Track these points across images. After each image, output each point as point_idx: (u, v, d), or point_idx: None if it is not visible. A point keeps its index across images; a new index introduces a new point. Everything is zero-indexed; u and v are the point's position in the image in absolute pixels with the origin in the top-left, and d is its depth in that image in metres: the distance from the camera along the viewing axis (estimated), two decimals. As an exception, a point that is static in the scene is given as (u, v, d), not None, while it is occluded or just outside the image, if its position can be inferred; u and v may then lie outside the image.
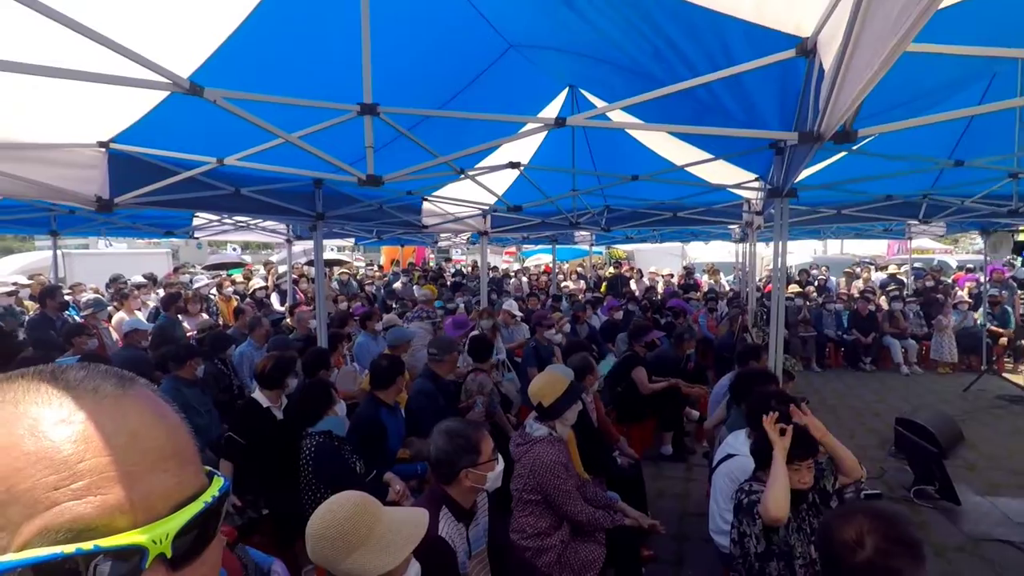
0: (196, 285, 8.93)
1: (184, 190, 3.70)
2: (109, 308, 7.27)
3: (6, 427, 0.41)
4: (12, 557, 0.37)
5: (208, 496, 0.46)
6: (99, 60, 1.94)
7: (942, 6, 2.37)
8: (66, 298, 7.33)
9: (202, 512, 0.45)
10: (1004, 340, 8.86)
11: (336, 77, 2.94)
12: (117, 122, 2.96)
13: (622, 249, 19.70)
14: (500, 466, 2.07)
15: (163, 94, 2.62)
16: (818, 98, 2.24)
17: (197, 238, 8.99)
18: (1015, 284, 10.75)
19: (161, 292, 8.46)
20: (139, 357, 5.37)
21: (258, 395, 3.47)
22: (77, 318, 6.85)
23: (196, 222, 7.61)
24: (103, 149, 3.15)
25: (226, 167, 3.41)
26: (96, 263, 13.87)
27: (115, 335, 6.50)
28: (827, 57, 1.99)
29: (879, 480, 4.76)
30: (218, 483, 0.48)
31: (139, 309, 7.34)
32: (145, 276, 9.46)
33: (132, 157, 3.27)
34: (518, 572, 2.22)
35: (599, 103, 4.26)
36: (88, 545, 0.38)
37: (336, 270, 14.19)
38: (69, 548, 0.38)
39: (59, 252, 14.29)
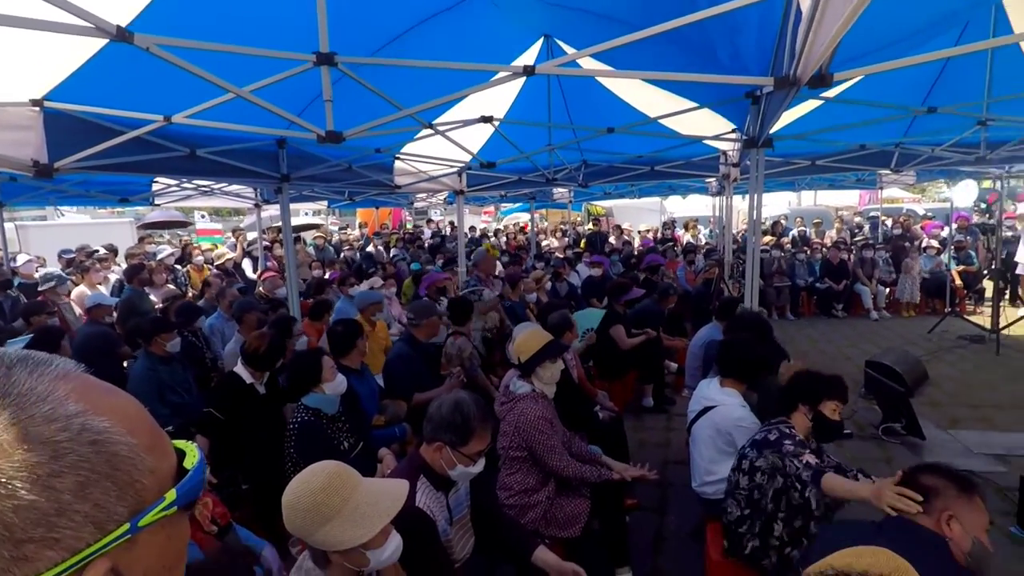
0: (160, 256, 8.59)
1: (133, 152, 3.45)
2: (68, 282, 6.96)
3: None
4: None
5: None
6: (19, 4, 1.74)
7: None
8: (11, 277, 6.97)
9: None
10: (971, 271, 9.26)
11: (289, 24, 2.73)
12: (50, 77, 2.71)
13: (601, 205, 19.59)
14: (476, 469, 1.98)
15: (96, 45, 2.38)
16: (795, 41, 2.16)
17: (158, 205, 8.55)
18: (978, 230, 11.12)
19: (123, 264, 8.11)
20: (105, 333, 5.17)
21: (240, 369, 3.24)
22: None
23: (156, 187, 7.25)
24: (37, 108, 2.89)
25: (178, 126, 3.17)
26: (54, 234, 13.18)
27: (77, 310, 6.24)
28: (805, -3, 1.89)
29: (850, 420, 4.94)
30: None
31: (100, 283, 7.02)
32: (105, 247, 9.01)
33: (70, 116, 3.02)
34: (504, 532, 2.21)
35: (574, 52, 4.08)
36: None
37: (311, 234, 13.80)
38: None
39: (13, 224, 13.60)
